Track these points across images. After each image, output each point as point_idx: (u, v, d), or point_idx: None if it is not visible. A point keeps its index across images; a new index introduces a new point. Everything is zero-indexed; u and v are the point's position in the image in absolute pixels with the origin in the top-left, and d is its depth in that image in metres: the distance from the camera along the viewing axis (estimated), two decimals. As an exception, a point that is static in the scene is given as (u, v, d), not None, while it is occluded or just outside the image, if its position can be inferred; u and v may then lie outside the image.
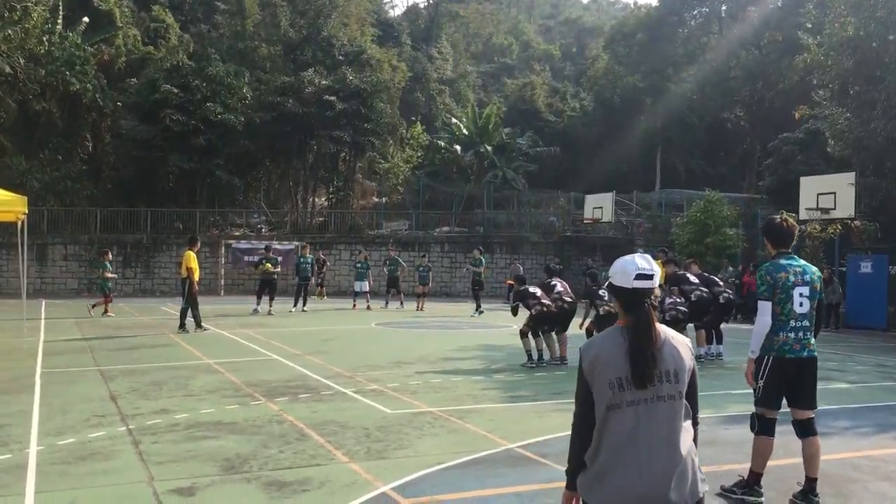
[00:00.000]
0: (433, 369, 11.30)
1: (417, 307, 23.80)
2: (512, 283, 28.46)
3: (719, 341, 13.06)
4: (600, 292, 12.03)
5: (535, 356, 11.69)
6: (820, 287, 5.57)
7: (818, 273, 5.64)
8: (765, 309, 5.43)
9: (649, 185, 46.16)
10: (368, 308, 23.62)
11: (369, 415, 8.08)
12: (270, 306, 20.71)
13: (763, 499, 5.50)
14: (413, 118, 45.69)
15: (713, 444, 7.12)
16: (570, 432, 2.94)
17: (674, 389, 2.80)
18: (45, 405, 8.41)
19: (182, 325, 15.78)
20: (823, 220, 22.10)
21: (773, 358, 5.45)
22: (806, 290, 5.43)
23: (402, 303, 24.83)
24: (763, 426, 5.57)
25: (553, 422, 7.90)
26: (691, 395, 2.90)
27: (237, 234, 33.02)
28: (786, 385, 5.51)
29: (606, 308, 11.97)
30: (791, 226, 5.69)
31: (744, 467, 5.77)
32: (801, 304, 5.41)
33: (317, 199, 38.81)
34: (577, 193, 39.16)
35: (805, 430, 5.52)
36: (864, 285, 20.98)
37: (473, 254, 24.63)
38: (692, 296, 12.44)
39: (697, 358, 11.86)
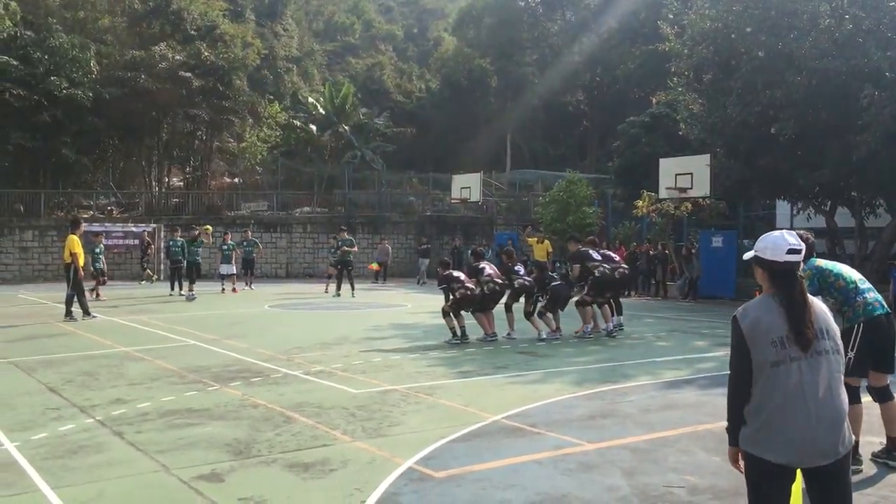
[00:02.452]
0: (365, 349, 11.41)
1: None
2: (377, 268, 28.77)
3: (619, 313, 13.96)
4: (516, 267, 12.69)
5: (458, 333, 12.05)
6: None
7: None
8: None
9: (500, 166, 47.68)
10: (234, 290, 23.11)
11: (337, 395, 8.15)
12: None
13: None
14: (264, 97, 44.57)
15: (674, 408, 7.77)
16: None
17: (830, 345, 3.14)
18: (-18, 401, 7.86)
19: (69, 313, 14.87)
20: (675, 199, 23.86)
21: (863, 322, 5.64)
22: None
23: (250, 284, 24.48)
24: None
25: (516, 393, 8.32)
26: None
27: (86, 216, 31.08)
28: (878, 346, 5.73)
29: (521, 282, 12.61)
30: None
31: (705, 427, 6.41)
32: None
33: (172, 180, 37.17)
34: (437, 174, 39.91)
35: (883, 395, 5.82)
36: (715, 259, 22.86)
37: (341, 234, 23.17)
38: (596, 272, 13.19)
39: (609, 334, 12.74)
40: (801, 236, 6.24)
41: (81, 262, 14.96)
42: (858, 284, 5.75)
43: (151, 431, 6.67)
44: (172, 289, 21.32)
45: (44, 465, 5.71)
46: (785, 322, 3.12)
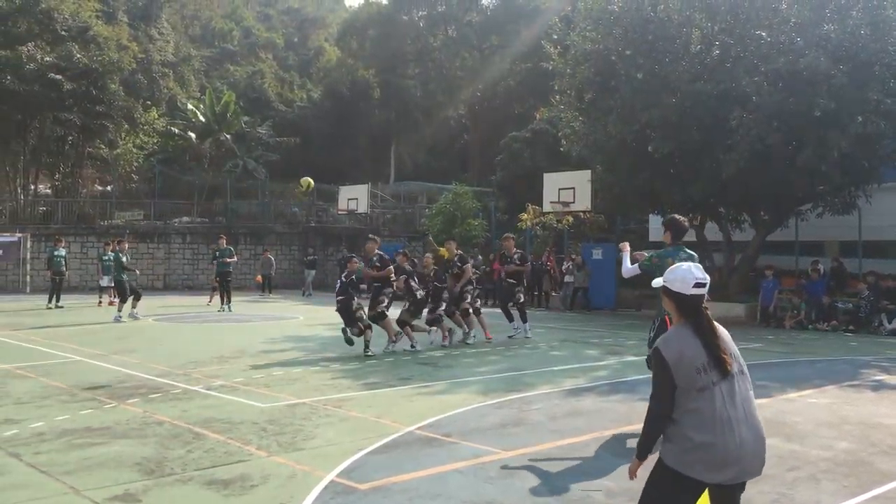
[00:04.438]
0: (263, 362, 11.24)
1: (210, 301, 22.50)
2: (261, 280, 28.26)
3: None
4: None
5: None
6: None
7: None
8: (633, 269, 7.51)
9: (383, 177, 47.78)
10: (111, 303, 22.12)
11: (244, 410, 8.01)
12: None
13: None
14: (139, 102, 42.91)
15: (578, 415, 8.08)
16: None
17: (737, 367, 3.41)
18: None
19: None
20: (559, 213, 24.69)
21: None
22: None
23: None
24: None
25: (425, 403, 8.44)
26: None
27: (-58, 224, 29.08)
28: None
29: (421, 293, 12.84)
30: (687, 225, 7.11)
31: (610, 432, 6.75)
32: None
33: (40, 187, 35.16)
34: (321, 185, 39.51)
35: None
36: (596, 270, 23.76)
37: (219, 244, 22.19)
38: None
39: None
40: (674, 220, 7.24)
41: None
42: None
43: (51, 452, 6.37)
44: (50, 301, 20.23)
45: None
46: (703, 350, 3.36)
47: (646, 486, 3.50)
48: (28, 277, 28.82)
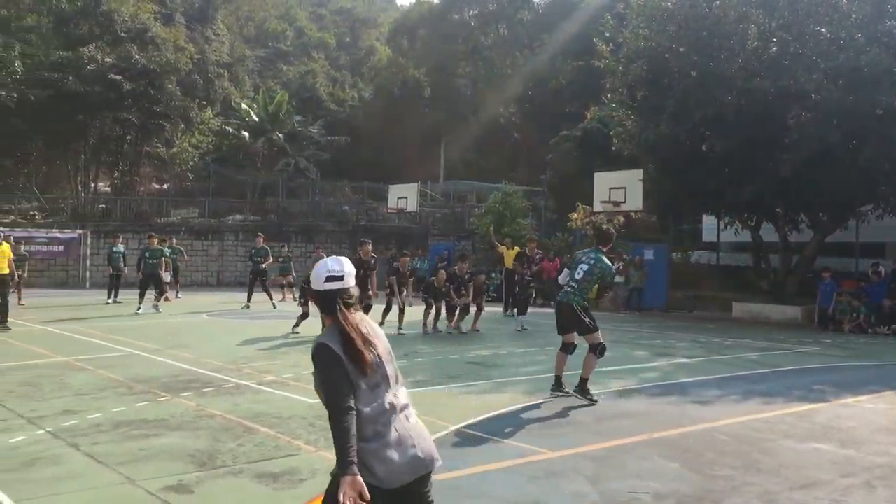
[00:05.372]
0: (312, 359, 11.35)
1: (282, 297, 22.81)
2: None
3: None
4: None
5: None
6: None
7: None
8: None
9: (433, 176, 47.90)
10: (167, 299, 22.54)
11: (294, 405, 8.11)
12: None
13: None
14: (195, 102, 43.81)
15: (626, 416, 7.99)
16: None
17: (394, 364, 3.16)
18: (-79, 412, 7.56)
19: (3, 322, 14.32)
20: (609, 213, 24.44)
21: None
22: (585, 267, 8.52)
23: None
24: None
25: (471, 402, 8.44)
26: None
27: (6, 221, 30.00)
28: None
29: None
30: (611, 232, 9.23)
31: (659, 434, 6.63)
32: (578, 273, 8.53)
33: (99, 185, 36.13)
34: (371, 184, 39.87)
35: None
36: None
37: (256, 243, 21.87)
38: None
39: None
40: (596, 225, 10.85)
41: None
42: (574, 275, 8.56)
43: (108, 443, 6.53)
44: (109, 297, 20.70)
45: (1, 479, 5.55)
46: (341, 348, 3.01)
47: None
48: (87, 273, 29.59)
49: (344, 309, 3.11)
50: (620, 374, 10.64)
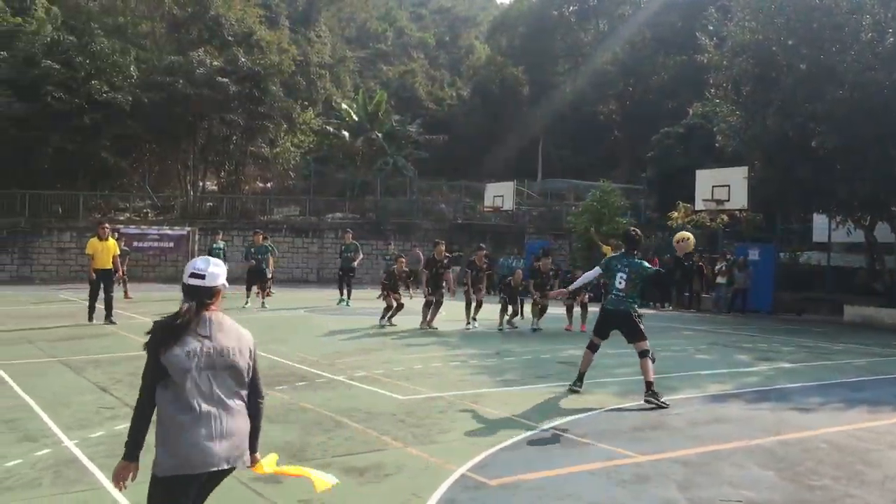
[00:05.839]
0: (404, 356, 11.48)
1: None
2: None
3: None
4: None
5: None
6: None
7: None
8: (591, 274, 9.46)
9: (531, 174, 47.65)
10: (268, 294, 23.03)
11: (384, 401, 8.20)
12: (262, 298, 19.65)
13: None
14: (297, 103, 45.00)
15: (722, 421, 7.71)
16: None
17: (227, 363, 3.32)
18: (38, 398, 8.00)
19: (109, 315, 14.99)
20: (712, 212, 23.72)
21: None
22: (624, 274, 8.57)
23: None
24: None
25: (560, 403, 8.34)
26: (253, 371, 3.47)
27: (122, 218, 31.55)
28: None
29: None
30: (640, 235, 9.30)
31: (756, 442, 6.36)
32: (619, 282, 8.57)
33: (207, 184, 37.59)
34: (468, 182, 39.98)
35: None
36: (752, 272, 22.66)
37: (345, 238, 21.84)
38: None
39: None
40: (626, 232, 9.48)
41: (100, 264, 14.89)
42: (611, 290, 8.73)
43: (205, 433, 6.75)
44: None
45: (105, 463, 5.79)
46: (186, 337, 3.30)
47: None
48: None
49: (194, 305, 3.38)
50: (718, 377, 10.31)
